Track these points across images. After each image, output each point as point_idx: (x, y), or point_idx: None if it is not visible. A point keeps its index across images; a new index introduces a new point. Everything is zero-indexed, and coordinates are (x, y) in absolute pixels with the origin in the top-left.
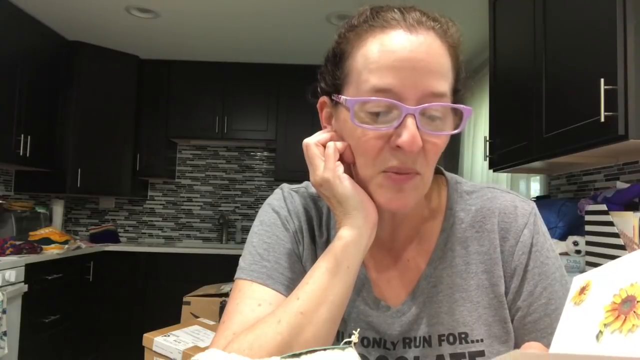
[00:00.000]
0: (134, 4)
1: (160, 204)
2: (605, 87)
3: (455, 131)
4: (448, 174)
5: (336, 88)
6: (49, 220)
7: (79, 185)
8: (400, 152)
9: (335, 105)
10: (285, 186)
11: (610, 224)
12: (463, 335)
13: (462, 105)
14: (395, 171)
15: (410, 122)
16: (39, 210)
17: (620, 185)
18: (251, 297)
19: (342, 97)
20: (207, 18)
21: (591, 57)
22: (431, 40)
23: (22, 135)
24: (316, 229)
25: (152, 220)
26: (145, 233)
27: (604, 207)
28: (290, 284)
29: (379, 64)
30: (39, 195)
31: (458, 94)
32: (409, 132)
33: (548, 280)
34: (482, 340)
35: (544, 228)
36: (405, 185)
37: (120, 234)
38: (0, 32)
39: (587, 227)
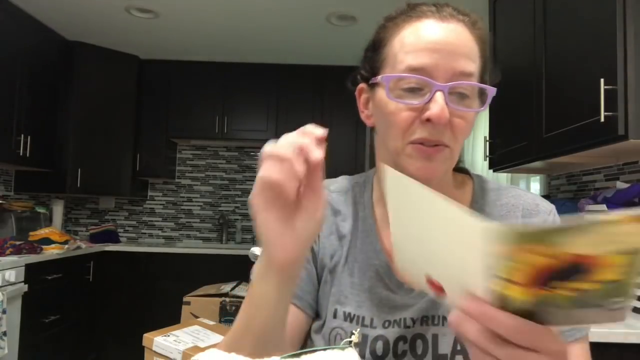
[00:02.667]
0: (134, 4)
1: (160, 204)
2: (605, 87)
3: (481, 109)
4: (473, 173)
5: (374, 72)
6: (49, 220)
7: (79, 185)
8: (429, 125)
9: (372, 88)
10: None
11: None
12: None
13: (487, 86)
14: (423, 142)
15: (439, 96)
16: (39, 210)
17: (620, 185)
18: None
19: (379, 77)
20: (207, 18)
21: (591, 57)
22: (462, 29)
23: (22, 135)
24: (336, 222)
25: (152, 220)
26: (145, 233)
27: (604, 207)
28: (300, 296)
29: (413, 46)
30: (39, 195)
31: (485, 82)
32: (438, 105)
33: None
34: None
35: None
36: (435, 155)
37: (120, 234)
38: (0, 32)
39: None
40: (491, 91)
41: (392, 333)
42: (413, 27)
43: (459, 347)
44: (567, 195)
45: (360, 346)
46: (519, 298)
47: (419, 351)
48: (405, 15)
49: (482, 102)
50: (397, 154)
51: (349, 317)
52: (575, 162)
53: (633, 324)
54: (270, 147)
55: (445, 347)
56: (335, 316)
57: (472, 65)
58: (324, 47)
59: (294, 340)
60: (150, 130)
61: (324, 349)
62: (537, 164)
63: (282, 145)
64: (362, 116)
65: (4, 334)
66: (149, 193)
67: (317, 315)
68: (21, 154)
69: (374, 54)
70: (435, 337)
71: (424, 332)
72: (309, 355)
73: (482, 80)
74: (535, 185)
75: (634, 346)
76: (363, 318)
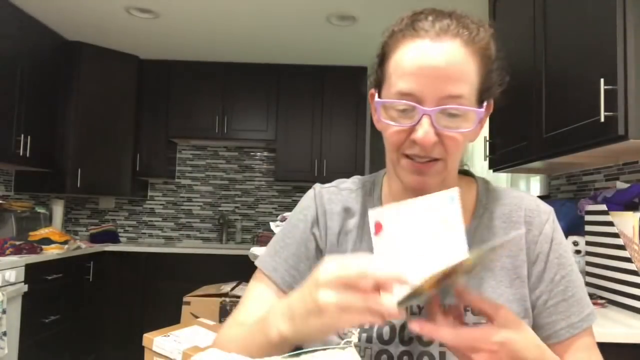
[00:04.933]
0: (134, 4)
1: (160, 204)
2: (605, 87)
3: (466, 130)
4: (478, 177)
5: (378, 84)
6: (49, 220)
7: (79, 185)
8: (417, 145)
9: (379, 96)
10: (317, 185)
11: (610, 224)
12: None
13: (473, 109)
14: (414, 158)
15: (425, 121)
16: (39, 210)
17: (620, 185)
18: (257, 290)
19: (375, 99)
20: (207, 18)
21: (591, 57)
22: (454, 49)
23: (22, 135)
24: (344, 217)
25: (152, 220)
26: (145, 233)
27: (603, 207)
28: (291, 280)
29: (404, 71)
30: (39, 195)
31: (490, 90)
32: (423, 130)
33: (566, 270)
34: None
35: (560, 227)
36: (427, 170)
37: (120, 234)
38: (0, 32)
39: (587, 227)
40: (479, 113)
41: (398, 320)
42: (407, 47)
43: None
44: (567, 195)
45: (367, 331)
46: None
47: (425, 338)
48: (402, 34)
49: (479, 114)
50: (393, 164)
51: None
52: (575, 162)
53: (633, 324)
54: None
55: None
56: None
57: (462, 87)
58: (324, 47)
59: None
60: (150, 130)
61: (324, 349)
62: (537, 164)
63: (350, 299)
64: (374, 119)
65: (4, 334)
66: (149, 193)
67: None
68: (21, 154)
69: (379, 66)
70: None
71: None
72: (309, 355)
73: (485, 91)
74: (535, 185)
75: (634, 346)
76: None
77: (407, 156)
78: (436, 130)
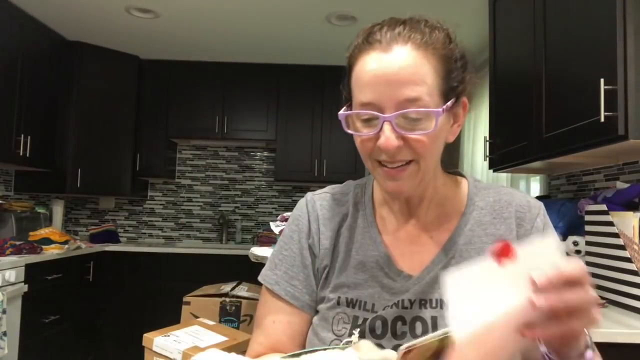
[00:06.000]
0: (134, 4)
1: (160, 204)
2: (605, 87)
3: (429, 131)
4: (467, 175)
5: (348, 97)
6: (49, 221)
7: (79, 185)
8: (384, 151)
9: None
10: (309, 194)
11: (610, 224)
12: None
13: (430, 109)
14: (385, 164)
15: (386, 127)
16: (39, 211)
17: (620, 185)
18: (269, 311)
19: (339, 112)
20: (207, 18)
21: (591, 57)
22: (405, 53)
23: (22, 135)
24: (336, 221)
25: (152, 220)
26: (145, 233)
27: (604, 207)
28: (293, 291)
29: (361, 83)
30: (39, 195)
31: (456, 89)
32: (384, 136)
33: None
34: None
35: (550, 222)
36: (399, 175)
37: (120, 234)
38: (0, 32)
39: (587, 227)
40: (437, 114)
41: (390, 313)
42: (363, 61)
43: None
44: (567, 195)
45: (360, 326)
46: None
47: (419, 332)
48: (361, 45)
49: (437, 115)
50: (370, 172)
51: (351, 303)
52: (575, 162)
53: (633, 324)
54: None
55: (444, 328)
56: (338, 303)
57: (418, 89)
58: (324, 47)
59: (293, 337)
60: (150, 130)
61: (324, 349)
62: (537, 164)
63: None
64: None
65: (4, 334)
66: (149, 193)
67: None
68: (21, 154)
69: (346, 79)
70: (434, 319)
71: (422, 315)
72: (309, 355)
73: (450, 92)
74: (535, 185)
75: (634, 346)
76: (365, 303)
77: (380, 163)
78: (399, 135)
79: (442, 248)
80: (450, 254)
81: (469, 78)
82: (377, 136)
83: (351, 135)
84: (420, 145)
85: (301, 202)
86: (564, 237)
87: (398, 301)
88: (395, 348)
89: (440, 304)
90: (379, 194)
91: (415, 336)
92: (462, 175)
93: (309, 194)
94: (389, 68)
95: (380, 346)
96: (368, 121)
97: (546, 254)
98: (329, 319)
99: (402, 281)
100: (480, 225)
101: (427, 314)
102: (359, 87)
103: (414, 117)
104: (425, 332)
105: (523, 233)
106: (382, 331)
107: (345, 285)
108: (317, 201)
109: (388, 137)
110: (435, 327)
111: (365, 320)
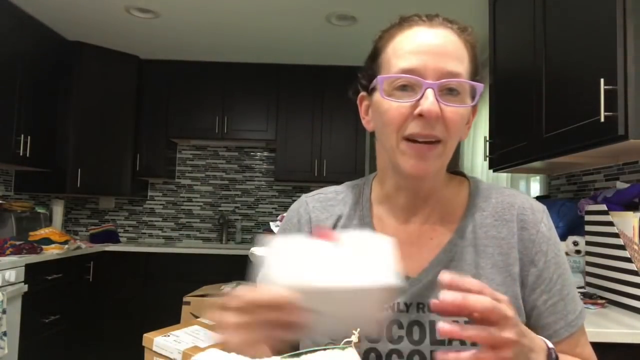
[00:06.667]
0: (134, 4)
1: (160, 204)
2: (605, 87)
3: (471, 104)
4: (470, 176)
5: (372, 79)
6: (49, 220)
7: (79, 185)
8: (421, 120)
9: (370, 95)
10: (303, 196)
11: (610, 224)
12: None
13: (475, 82)
14: (416, 138)
15: (429, 93)
16: (39, 211)
17: (620, 185)
18: None
19: (375, 80)
20: (207, 18)
21: (591, 57)
22: (450, 35)
23: (22, 135)
24: (330, 221)
25: (152, 220)
26: (145, 233)
27: (604, 207)
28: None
29: (404, 50)
30: (39, 195)
31: (475, 88)
32: (429, 101)
33: (561, 269)
34: None
35: (553, 225)
36: (428, 153)
37: (120, 234)
38: (0, 32)
39: (587, 227)
40: (479, 87)
41: (385, 317)
42: (404, 34)
43: None
44: (567, 195)
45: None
46: None
47: (416, 337)
48: (399, 25)
49: (473, 100)
50: (392, 152)
51: None
52: (575, 162)
53: (633, 324)
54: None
55: None
56: None
57: (460, 65)
58: (324, 47)
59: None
60: (150, 130)
61: (324, 349)
62: (537, 164)
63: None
64: (364, 122)
65: (4, 334)
66: (149, 193)
67: None
68: (21, 154)
69: (372, 63)
70: (432, 324)
71: (420, 319)
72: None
73: (471, 85)
74: (535, 185)
75: (634, 346)
76: None
77: (407, 140)
78: (439, 105)
79: (442, 250)
80: (449, 256)
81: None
82: (415, 104)
83: (351, 135)
84: (454, 122)
85: (294, 205)
86: (564, 237)
87: (394, 304)
88: (392, 352)
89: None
90: (380, 192)
91: (412, 341)
92: (463, 175)
93: (303, 196)
94: (435, 39)
95: (376, 350)
96: (405, 89)
97: (370, 245)
98: None
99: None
100: (482, 227)
101: (426, 318)
102: (399, 56)
103: (454, 89)
104: (423, 337)
105: (527, 237)
106: (377, 335)
107: None
108: (310, 203)
109: (433, 102)
110: (433, 332)
111: None
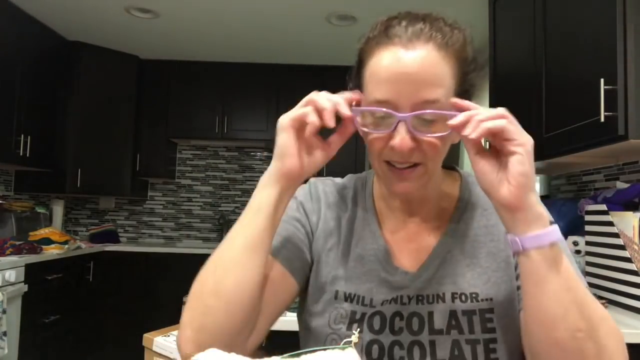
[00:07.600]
0: (134, 4)
1: (160, 204)
2: (605, 87)
3: (445, 133)
4: (462, 171)
5: (356, 88)
6: (49, 220)
7: (79, 185)
8: (396, 151)
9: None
10: (312, 179)
11: (610, 224)
12: (474, 295)
13: (448, 112)
14: (394, 164)
15: (401, 127)
16: (39, 211)
17: (620, 185)
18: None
19: (353, 107)
20: (207, 18)
21: (591, 57)
22: (426, 53)
23: (22, 135)
24: (338, 208)
25: (152, 220)
26: (145, 233)
27: (604, 207)
28: (289, 254)
29: (378, 78)
30: (39, 195)
31: (468, 92)
32: (399, 136)
33: None
34: (491, 299)
35: None
36: (408, 175)
37: (120, 234)
38: (0, 32)
39: (587, 227)
40: (453, 117)
41: (388, 309)
42: (381, 55)
43: (453, 322)
44: (567, 195)
45: (358, 322)
46: None
47: (415, 327)
48: (376, 41)
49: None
50: (376, 171)
51: (349, 298)
52: (575, 162)
53: (633, 324)
54: (315, 96)
55: (440, 323)
56: (336, 297)
57: (437, 91)
58: (324, 47)
59: (276, 299)
60: (150, 130)
61: (324, 349)
62: (537, 163)
63: (322, 99)
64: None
65: (4, 334)
66: (149, 193)
67: (306, 289)
68: (21, 154)
69: (357, 73)
70: (430, 314)
71: (419, 310)
72: (309, 355)
73: (459, 94)
74: (536, 185)
75: (634, 346)
76: (363, 297)
77: (388, 163)
78: (413, 136)
79: (438, 244)
80: (446, 249)
81: (478, 80)
82: (389, 135)
83: (351, 135)
84: (432, 148)
85: (304, 185)
86: (564, 237)
87: (397, 297)
88: (394, 343)
89: (436, 299)
90: (379, 190)
91: (411, 331)
92: (455, 170)
93: (312, 179)
94: (409, 67)
95: (379, 342)
96: (382, 119)
97: None
98: (325, 313)
99: (400, 277)
100: (473, 218)
101: (424, 309)
102: (375, 83)
103: (429, 119)
104: (422, 326)
105: None
106: (381, 327)
107: (343, 278)
108: (320, 185)
109: (403, 137)
110: (431, 321)
111: (363, 315)
